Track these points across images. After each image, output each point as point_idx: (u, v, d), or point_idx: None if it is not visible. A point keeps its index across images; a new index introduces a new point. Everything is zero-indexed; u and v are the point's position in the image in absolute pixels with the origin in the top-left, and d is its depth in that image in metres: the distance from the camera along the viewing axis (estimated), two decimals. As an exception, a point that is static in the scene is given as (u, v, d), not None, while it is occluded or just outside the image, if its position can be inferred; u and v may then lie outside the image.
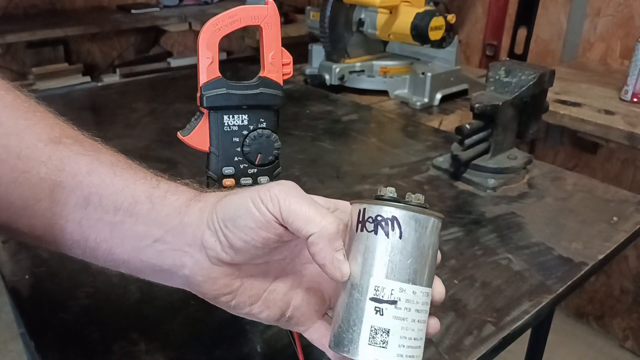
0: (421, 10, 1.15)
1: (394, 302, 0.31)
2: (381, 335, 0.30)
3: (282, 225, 0.32)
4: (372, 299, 0.31)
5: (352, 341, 0.31)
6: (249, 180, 0.47)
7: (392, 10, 1.21)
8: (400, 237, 0.31)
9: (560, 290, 0.57)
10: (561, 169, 0.86)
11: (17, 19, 1.99)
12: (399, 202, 0.32)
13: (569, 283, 0.58)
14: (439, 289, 0.34)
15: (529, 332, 0.91)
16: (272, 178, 0.48)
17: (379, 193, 0.33)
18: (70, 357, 0.46)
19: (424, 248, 0.31)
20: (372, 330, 0.30)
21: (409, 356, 0.31)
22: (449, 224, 0.68)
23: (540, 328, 0.94)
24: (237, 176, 0.46)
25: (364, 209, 0.32)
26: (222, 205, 0.34)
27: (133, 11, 2.14)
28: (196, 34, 2.13)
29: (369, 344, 0.30)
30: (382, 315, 0.30)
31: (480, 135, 0.79)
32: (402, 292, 0.31)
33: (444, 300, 0.53)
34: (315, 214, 0.32)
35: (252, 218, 0.32)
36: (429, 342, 0.48)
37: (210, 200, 0.35)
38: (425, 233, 0.31)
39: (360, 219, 0.32)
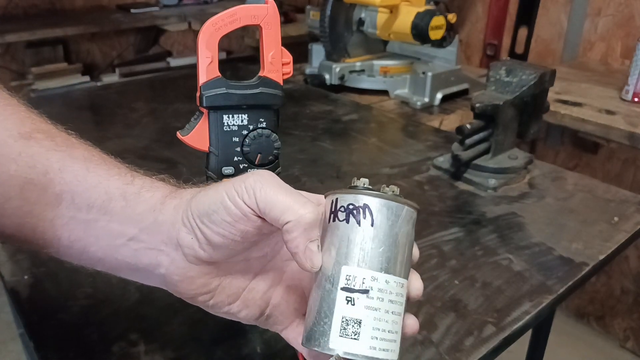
0: (421, 9, 1.15)
1: (365, 292, 0.30)
2: (353, 326, 0.29)
3: (260, 217, 0.31)
4: (344, 289, 0.30)
5: (323, 334, 0.30)
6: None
7: (393, 10, 1.21)
8: (372, 225, 0.30)
9: (561, 290, 0.56)
10: (562, 169, 0.86)
11: (16, 19, 1.99)
12: (372, 191, 0.31)
13: (569, 283, 0.58)
14: (416, 284, 0.33)
15: (529, 332, 0.90)
16: (272, 178, 0.47)
17: (352, 184, 0.32)
18: (69, 357, 0.46)
19: (397, 237, 0.31)
20: (343, 321, 0.30)
21: (383, 349, 0.30)
22: (449, 224, 0.68)
23: (540, 328, 0.94)
24: (236, 176, 0.46)
25: (336, 198, 0.31)
26: (197, 200, 0.33)
27: (132, 11, 2.14)
28: (196, 33, 2.13)
29: (340, 336, 0.29)
30: (354, 305, 0.30)
31: (481, 135, 0.78)
32: (374, 281, 0.30)
33: (445, 301, 0.54)
34: (292, 202, 0.31)
35: (228, 212, 0.31)
36: (429, 342, 0.48)
37: (185, 197, 0.34)
38: (398, 221, 0.31)
39: (333, 209, 0.31)
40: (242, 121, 0.45)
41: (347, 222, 0.31)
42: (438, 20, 1.14)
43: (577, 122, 1.23)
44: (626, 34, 1.59)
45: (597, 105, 1.28)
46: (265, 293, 0.36)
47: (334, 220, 0.31)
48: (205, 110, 0.44)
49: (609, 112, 1.25)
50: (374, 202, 0.30)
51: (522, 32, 1.78)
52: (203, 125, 0.45)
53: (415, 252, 0.34)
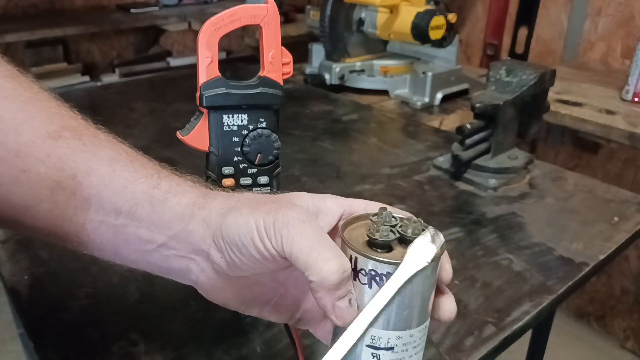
0: (422, 9, 1.15)
1: (390, 349, 0.30)
2: None
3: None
4: (369, 346, 0.30)
5: None
6: (248, 180, 0.46)
7: (393, 10, 1.21)
8: (397, 293, 0.29)
9: (561, 290, 0.56)
10: (562, 169, 0.85)
11: (16, 19, 1.99)
12: (393, 250, 0.30)
13: (569, 283, 0.58)
14: (450, 307, 0.32)
15: (529, 332, 0.90)
16: (272, 178, 0.47)
17: (370, 234, 0.30)
18: (69, 357, 0.46)
19: (421, 293, 0.30)
20: None
21: None
22: (449, 224, 0.68)
23: (541, 328, 0.94)
24: (236, 176, 0.46)
25: (356, 258, 0.30)
26: (227, 226, 0.32)
27: (132, 10, 2.14)
28: (196, 33, 2.12)
29: None
30: (379, 359, 0.30)
31: (481, 135, 0.78)
32: (398, 339, 0.30)
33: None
34: (317, 259, 0.29)
35: (257, 250, 0.30)
36: (429, 342, 0.48)
37: (215, 210, 0.33)
38: (422, 280, 0.29)
39: (353, 267, 0.30)
40: (242, 121, 0.45)
41: (370, 287, 0.30)
42: (438, 20, 1.14)
43: (577, 122, 1.23)
44: (626, 33, 1.59)
45: (598, 105, 1.28)
46: (296, 299, 0.36)
47: (354, 279, 0.30)
48: (205, 110, 0.44)
49: (609, 112, 1.25)
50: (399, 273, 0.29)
51: (522, 32, 1.78)
52: (203, 125, 0.45)
53: (447, 273, 0.32)
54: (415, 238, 0.30)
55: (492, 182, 0.77)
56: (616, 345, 1.72)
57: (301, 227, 0.30)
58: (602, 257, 0.62)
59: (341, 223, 0.33)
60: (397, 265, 0.29)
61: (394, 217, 0.32)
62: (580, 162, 1.74)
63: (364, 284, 0.30)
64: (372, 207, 0.34)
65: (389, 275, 0.29)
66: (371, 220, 0.32)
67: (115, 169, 0.34)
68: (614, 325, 1.73)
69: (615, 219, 0.70)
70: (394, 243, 0.30)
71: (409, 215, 0.33)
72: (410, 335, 0.30)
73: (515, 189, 0.78)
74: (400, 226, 0.31)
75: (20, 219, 0.34)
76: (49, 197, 0.33)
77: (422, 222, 0.32)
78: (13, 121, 0.33)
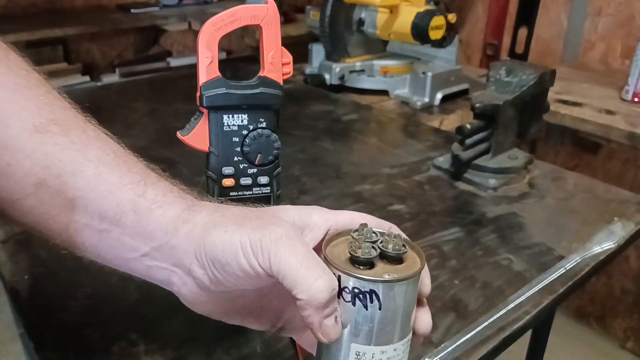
0: (422, 9, 1.15)
1: None
2: None
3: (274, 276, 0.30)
4: None
5: None
6: (248, 180, 0.46)
7: (393, 10, 1.21)
8: (380, 309, 0.30)
9: (561, 290, 0.56)
10: (562, 169, 0.85)
11: (16, 19, 1.99)
12: (375, 266, 0.31)
13: (569, 284, 0.57)
14: (426, 321, 0.33)
15: (529, 332, 0.90)
16: (272, 178, 0.47)
17: (352, 251, 0.31)
18: (69, 357, 0.46)
19: (404, 306, 0.31)
20: None
21: None
22: (449, 224, 0.68)
23: (540, 329, 0.94)
24: (236, 176, 0.46)
25: (339, 276, 0.30)
26: (211, 242, 0.31)
27: (132, 10, 2.14)
28: (196, 33, 2.12)
29: None
30: None
31: (481, 135, 0.78)
32: (383, 354, 0.31)
33: (445, 301, 0.54)
34: (306, 276, 0.29)
35: (241, 268, 0.30)
36: (429, 342, 0.48)
37: (199, 225, 0.32)
38: (405, 295, 0.30)
39: (337, 284, 0.30)
40: (242, 121, 0.45)
41: (354, 304, 0.30)
42: (438, 20, 1.14)
43: (577, 122, 1.23)
44: (626, 33, 1.59)
45: (597, 105, 1.28)
46: (278, 309, 0.36)
47: (338, 297, 0.30)
48: (205, 110, 0.44)
49: (609, 112, 1.25)
50: (380, 288, 0.29)
51: (522, 32, 1.77)
52: (203, 125, 0.45)
53: (427, 287, 0.33)
54: (396, 254, 0.31)
55: (492, 182, 0.77)
56: (616, 346, 1.72)
57: (289, 245, 0.30)
58: (602, 257, 0.62)
59: (324, 241, 0.33)
60: (380, 282, 0.29)
61: (374, 232, 0.32)
62: (580, 162, 1.74)
63: (348, 302, 0.30)
64: (358, 218, 0.34)
65: (372, 292, 0.29)
66: (352, 236, 0.32)
67: (102, 172, 0.34)
68: (614, 325, 1.73)
69: (615, 219, 0.70)
70: (376, 259, 0.31)
71: (389, 227, 0.34)
72: (394, 349, 0.31)
73: (515, 189, 0.78)
74: (381, 242, 0.32)
75: (7, 211, 0.34)
76: (34, 193, 0.33)
77: (402, 236, 0.32)
78: (3, 111, 0.32)
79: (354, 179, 0.80)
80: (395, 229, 0.34)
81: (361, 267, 0.31)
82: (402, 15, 1.17)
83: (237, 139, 0.45)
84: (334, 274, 0.30)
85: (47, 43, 2.01)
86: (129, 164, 0.35)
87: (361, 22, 1.28)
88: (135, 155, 0.37)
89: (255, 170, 0.46)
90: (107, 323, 0.50)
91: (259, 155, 0.46)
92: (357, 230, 0.33)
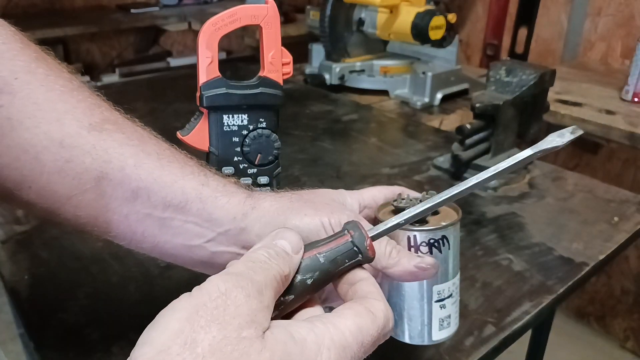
0: (422, 9, 1.15)
1: (450, 296, 0.38)
2: (446, 320, 0.38)
3: None
4: (437, 301, 0.37)
5: (425, 334, 0.38)
6: (248, 180, 0.46)
7: (393, 10, 1.21)
8: (450, 248, 0.37)
9: (561, 290, 0.56)
10: (562, 169, 0.85)
11: (16, 19, 1.97)
12: (427, 221, 0.37)
13: (569, 283, 0.58)
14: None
15: (529, 332, 0.90)
16: (272, 178, 0.47)
17: (398, 203, 0.38)
18: (69, 357, 0.46)
19: (458, 244, 0.38)
20: (440, 321, 0.38)
21: (457, 318, 0.39)
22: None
23: (540, 328, 0.94)
24: (237, 176, 0.46)
25: (414, 236, 0.36)
26: (294, 225, 0.34)
27: (132, 10, 2.14)
28: (196, 33, 2.12)
29: (439, 330, 0.38)
30: (445, 307, 0.38)
31: (481, 135, 0.78)
32: (453, 285, 0.38)
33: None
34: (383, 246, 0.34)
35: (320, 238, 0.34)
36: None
37: (270, 210, 0.35)
38: (458, 234, 0.38)
39: (412, 244, 0.36)
40: (242, 121, 0.45)
41: (431, 253, 0.36)
42: (438, 20, 1.14)
43: (577, 122, 1.23)
44: (626, 33, 1.59)
45: (597, 105, 1.28)
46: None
47: (417, 252, 0.36)
48: (205, 110, 0.44)
49: (609, 112, 1.25)
50: (449, 232, 0.36)
51: (522, 32, 1.78)
52: (203, 125, 0.45)
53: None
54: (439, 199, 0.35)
55: (492, 182, 0.77)
56: (616, 346, 1.72)
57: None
58: (602, 257, 0.62)
59: (379, 215, 0.39)
60: (448, 227, 0.36)
61: (405, 197, 0.38)
62: (580, 162, 1.74)
63: (425, 253, 0.36)
64: (376, 193, 0.40)
65: (443, 237, 0.36)
66: (396, 205, 0.38)
67: (163, 164, 0.35)
68: (614, 325, 1.73)
69: (615, 219, 0.70)
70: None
71: (401, 191, 0.40)
72: (458, 278, 0.39)
73: (515, 189, 0.78)
74: (419, 200, 0.37)
75: (59, 206, 0.34)
76: (94, 187, 0.34)
77: (423, 195, 0.39)
78: (54, 111, 0.33)
79: (354, 179, 0.80)
80: (407, 191, 0.41)
81: (420, 224, 0.36)
82: (402, 15, 1.17)
83: (237, 139, 0.45)
84: (408, 236, 0.36)
85: (47, 43, 1.98)
86: (185, 159, 0.37)
87: (361, 22, 1.28)
88: (185, 152, 0.38)
89: (255, 170, 0.46)
90: (107, 323, 0.50)
91: (259, 155, 0.46)
92: (396, 200, 0.38)
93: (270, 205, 0.35)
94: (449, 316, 0.38)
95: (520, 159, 0.33)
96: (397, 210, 0.37)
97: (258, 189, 0.41)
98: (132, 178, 0.34)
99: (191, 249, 0.35)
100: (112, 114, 0.36)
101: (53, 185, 0.33)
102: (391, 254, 0.34)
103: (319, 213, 0.34)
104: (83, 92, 0.36)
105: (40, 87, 0.33)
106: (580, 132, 0.33)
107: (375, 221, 0.38)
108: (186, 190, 0.35)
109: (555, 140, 0.32)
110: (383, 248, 0.34)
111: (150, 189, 0.34)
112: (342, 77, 1.29)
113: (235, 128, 0.45)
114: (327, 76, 1.29)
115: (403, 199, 0.38)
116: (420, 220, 0.35)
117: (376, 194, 0.40)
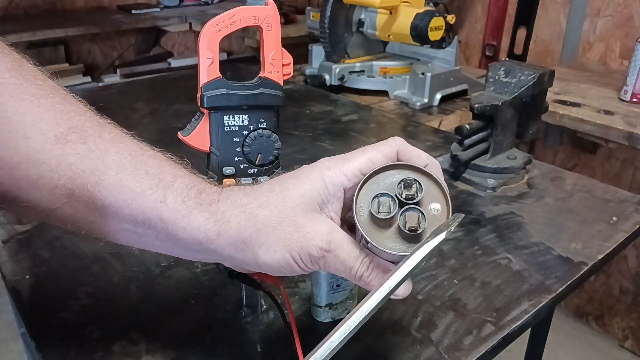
0: (421, 10, 1.16)
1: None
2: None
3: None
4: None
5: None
6: (249, 181, 0.47)
7: (392, 11, 1.21)
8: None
9: (560, 290, 0.57)
10: (561, 169, 0.86)
11: (17, 19, 1.99)
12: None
13: (568, 283, 0.58)
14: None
15: (528, 331, 0.91)
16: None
17: (377, 213, 0.37)
18: (70, 356, 0.46)
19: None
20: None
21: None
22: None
23: (539, 328, 0.94)
24: (237, 176, 0.46)
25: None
26: (264, 262, 0.36)
27: (133, 11, 2.15)
28: (196, 34, 2.13)
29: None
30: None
31: (480, 135, 0.79)
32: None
33: (444, 300, 0.54)
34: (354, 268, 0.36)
35: (293, 270, 0.36)
36: (429, 341, 0.48)
37: (237, 239, 0.35)
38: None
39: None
40: (242, 121, 0.45)
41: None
42: (437, 21, 1.15)
43: (575, 122, 1.23)
44: (625, 34, 1.59)
45: (596, 106, 1.28)
46: None
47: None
48: (206, 111, 0.44)
49: (607, 112, 1.25)
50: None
51: (521, 32, 1.78)
52: (204, 126, 0.45)
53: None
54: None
55: (491, 182, 0.77)
56: (615, 345, 1.72)
57: (335, 247, 0.36)
58: (600, 256, 0.63)
59: (356, 210, 0.36)
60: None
61: (399, 198, 0.38)
62: (578, 162, 1.74)
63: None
64: (370, 162, 0.40)
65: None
66: (372, 212, 0.37)
67: (122, 178, 0.34)
68: (612, 324, 1.73)
69: (614, 218, 0.71)
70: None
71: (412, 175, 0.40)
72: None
73: (514, 189, 0.78)
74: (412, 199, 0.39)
75: (47, 216, 0.35)
76: (67, 203, 0.34)
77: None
78: (21, 125, 0.33)
79: (354, 179, 0.80)
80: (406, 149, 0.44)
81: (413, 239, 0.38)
82: (402, 16, 1.18)
83: (237, 139, 0.45)
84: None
85: (49, 44, 2.02)
86: (146, 165, 0.36)
87: (361, 23, 1.29)
88: (150, 147, 0.38)
89: (255, 170, 0.46)
90: (108, 322, 0.50)
91: (259, 155, 0.46)
92: (379, 194, 0.37)
93: (236, 233, 0.35)
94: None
95: (415, 264, 0.35)
96: (373, 218, 0.36)
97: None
98: (96, 197, 0.34)
99: (177, 253, 0.37)
100: (79, 119, 0.35)
101: (32, 199, 0.34)
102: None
103: (286, 248, 0.35)
104: (52, 99, 0.35)
105: (10, 99, 0.33)
106: (461, 217, 0.35)
107: (353, 202, 0.36)
108: (145, 209, 0.34)
109: (442, 235, 0.35)
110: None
111: (115, 206, 0.34)
112: (342, 78, 1.29)
113: (236, 128, 0.45)
114: (327, 77, 1.30)
115: (386, 204, 0.36)
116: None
117: (364, 166, 0.38)
